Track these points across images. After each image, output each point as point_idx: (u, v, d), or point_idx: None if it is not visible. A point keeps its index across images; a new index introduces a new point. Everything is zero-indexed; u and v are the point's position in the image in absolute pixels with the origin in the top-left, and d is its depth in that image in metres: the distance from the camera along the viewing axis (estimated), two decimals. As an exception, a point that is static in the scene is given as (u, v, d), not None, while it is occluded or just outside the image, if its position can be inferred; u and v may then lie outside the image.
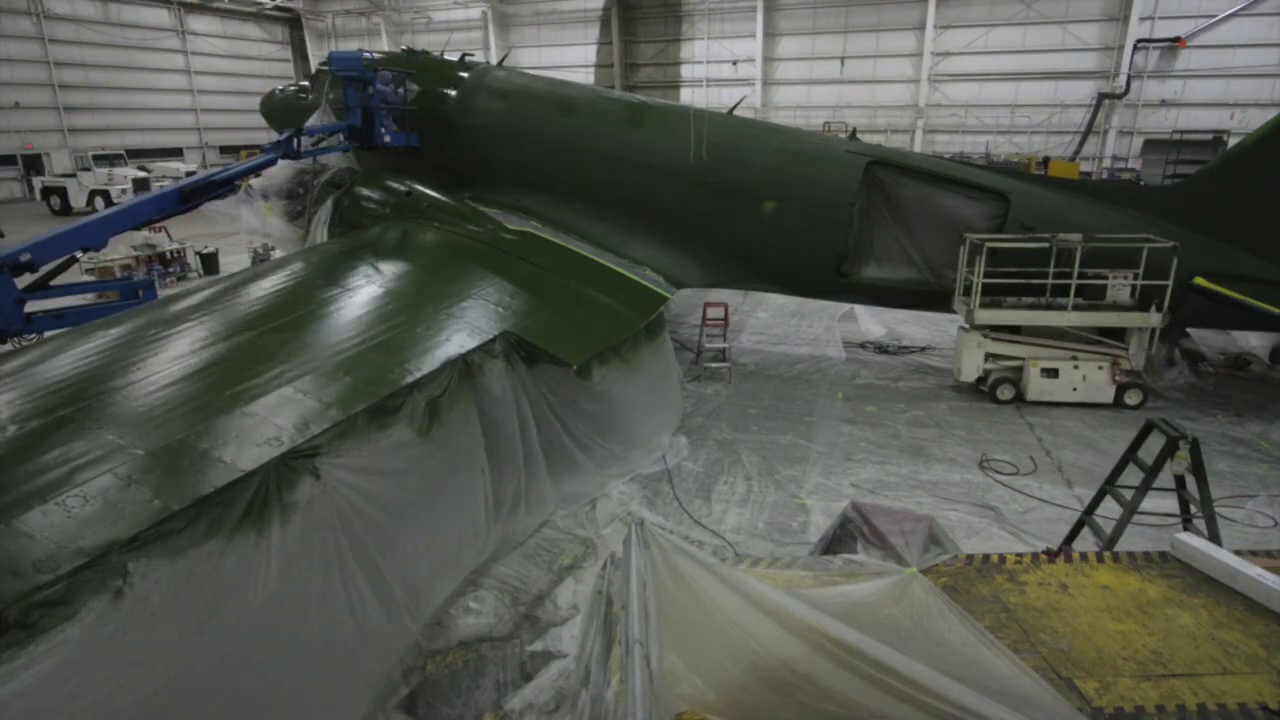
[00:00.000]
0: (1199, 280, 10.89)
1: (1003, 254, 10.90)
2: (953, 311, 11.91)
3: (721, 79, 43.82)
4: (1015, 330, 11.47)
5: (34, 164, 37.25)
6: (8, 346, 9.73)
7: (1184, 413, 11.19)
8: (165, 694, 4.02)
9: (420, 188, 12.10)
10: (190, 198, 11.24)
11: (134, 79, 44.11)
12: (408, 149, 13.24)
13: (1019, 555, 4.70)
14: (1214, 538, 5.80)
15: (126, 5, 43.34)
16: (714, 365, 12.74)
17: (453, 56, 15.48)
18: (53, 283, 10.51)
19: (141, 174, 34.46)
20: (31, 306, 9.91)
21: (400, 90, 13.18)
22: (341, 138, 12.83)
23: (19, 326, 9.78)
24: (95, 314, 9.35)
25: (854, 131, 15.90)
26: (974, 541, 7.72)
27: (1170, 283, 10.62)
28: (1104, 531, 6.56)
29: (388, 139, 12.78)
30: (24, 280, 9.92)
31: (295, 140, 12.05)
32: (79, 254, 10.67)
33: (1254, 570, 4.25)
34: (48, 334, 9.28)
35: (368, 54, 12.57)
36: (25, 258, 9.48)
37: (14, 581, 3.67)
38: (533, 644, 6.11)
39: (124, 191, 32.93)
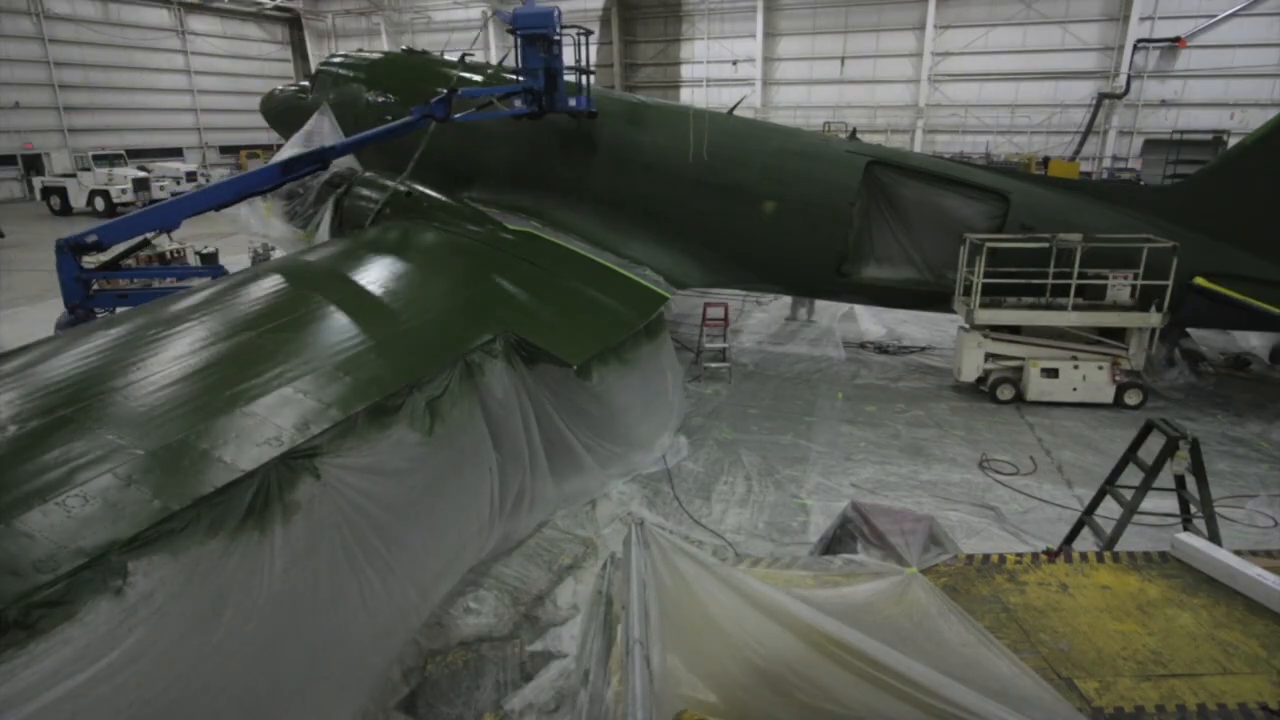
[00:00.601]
0: (1199, 280, 10.90)
1: (1003, 254, 10.91)
2: (953, 311, 11.92)
3: (721, 79, 43.81)
4: (1015, 330, 11.48)
5: (34, 164, 37.25)
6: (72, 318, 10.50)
7: (1184, 413, 11.19)
8: (171, 692, 4.03)
9: (420, 188, 12.09)
10: (291, 169, 11.29)
11: (134, 79, 44.09)
12: (587, 114, 12.48)
13: (1019, 555, 4.70)
14: (1214, 538, 5.80)
15: (126, 5, 43.32)
16: (714, 365, 12.74)
17: (453, 56, 15.48)
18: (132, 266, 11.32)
19: (142, 174, 34.44)
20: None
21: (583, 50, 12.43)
22: (517, 102, 11.93)
23: (80, 302, 10.44)
24: (155, 295, 9.99)
25: (854, 131, 15.93)
26: (974, 541, 7.72)
27: (1170, 283, 10.62)
28: (1104, 531, 6.56)
29: (573, 103, 12.02)
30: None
31: (448, 101, 11.07)
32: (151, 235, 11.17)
33: (1254, 570, 4.25)
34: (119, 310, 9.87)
35: (554, 8, 11.56)
36: (92, 239, 10.19)
37: (14, 581, 3.67)
38: (533, 644, 6.11)
39: (124, 191, 32.92)
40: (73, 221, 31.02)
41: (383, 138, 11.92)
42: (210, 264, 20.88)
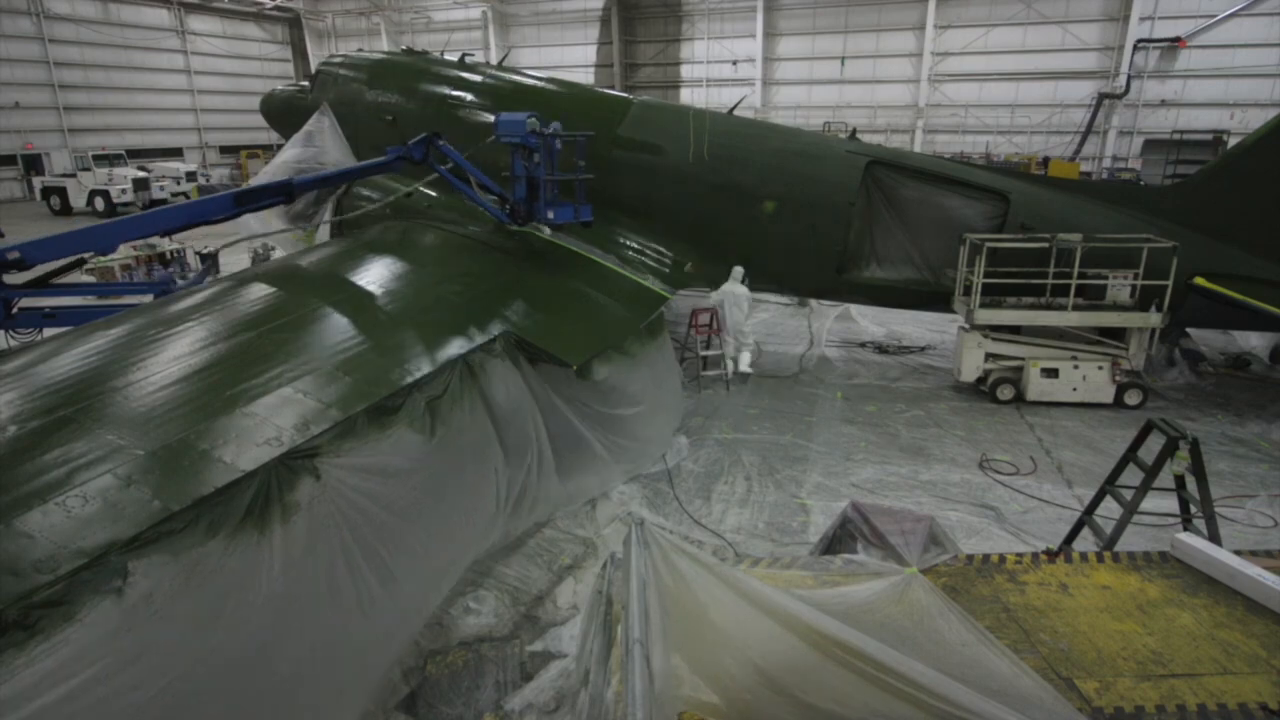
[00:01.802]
0: (1199, 280, 10.90)
1: (1003, 254, 10.91)
2: (953, 311, 11.92)
3: (721, 79, 43.83)
4: (1015, 330, 11.48)
5: (34, 164, 37.24)
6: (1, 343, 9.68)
7: (1184, 413, 11.19)
8: (168, 694, 4.02)
9: (420, 188, 12.08)
10: (246, 201, 10.01)
11: (134, 79, 44.10)
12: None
13: (1019, 555, 4.70)
14: (1214, 538, 5.80)
15: (126, 5, 43.33)
16: (709, 374, 12.57)
17: (453, 56, 15.50)
18: (68, 282, 10.28)
19: (141, 174, 34.45)
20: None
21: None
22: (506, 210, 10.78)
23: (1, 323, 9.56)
24: (92, 315, 8.85)
25: (854, 131, 15.90)
26: (974, 541, 7.73)
27: (1170, 283, 10.63)
28: (1104, 531, 6.56)
29: (551, 215, 10.54)
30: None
31: (426, 144, 10.35)
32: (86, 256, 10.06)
33: (1254, 570, 4.25)
34: (48, 332, 9.23)
35: (534, 117, 10.26)
36: (13, 255, 9.16)
37: (14, 581, 3.67)
38: (533, 644, 6.11)
39: (124, 191, 32.93)
40: (73, 221, 31.03)
41: (353, 175, 11.31)
42: (207, 263, 20.85)
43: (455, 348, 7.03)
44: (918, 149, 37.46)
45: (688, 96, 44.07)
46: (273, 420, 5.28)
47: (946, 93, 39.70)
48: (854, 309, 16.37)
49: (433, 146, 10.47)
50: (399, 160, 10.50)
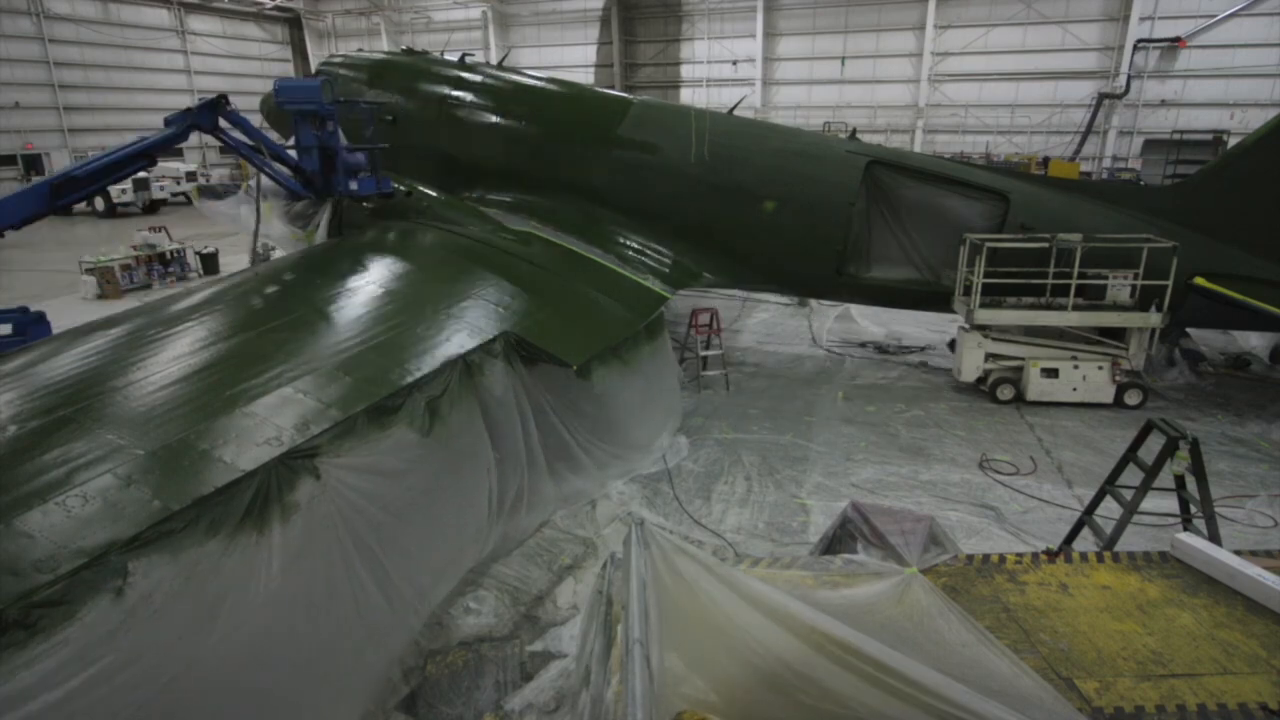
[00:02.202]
0: (1199, 280, 10.90)
1: (1003, 254, 10.90)
2: (953, 311, 11.92)
3: (721, 79, 43.83)
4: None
5: (34, 164, 37.25)
6: None
7: (1184, 413, 11.19)
8: (168, 693, 4.02)
9: (420, 188, 12.08)
10: (62, 192, 9.40)
11: (134, 79, 44.09)
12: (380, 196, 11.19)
13: (1019, 555, 4.70)
14: (1214, 538, 5.81)
15: (126, 5, 43.32)
16: (709, 374, 12.58)
17: (453, 56, 15.50)
18: None
19: (141, 174, 34.40)
20: None
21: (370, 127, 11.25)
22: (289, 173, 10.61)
23: None
24: None
25: (854, 131, 15.90)
26: (974, 541, 7.73)
27: (1170, 283, 10.63)
28: (1104, 531, 6.56)
29: (354, 186, 10.49)
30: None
31: (214, 107, 9.72)
32: None
33: (1254, 570, 4.25)
34: None
35: (323, 77, 9.76)
36: None
37: (14, 581, 3.67)
38: (533, 644, 6.11)
39: (124, 191, 32.91)
40: (72, 221, 31.03)
41: (146, 150, 10.17)
42: (209, 265, 20.72)
43: (455, 347, 7.03)
44: (918, 149, 37.45)
45: (688, 96, 44.06)
46: (272, 420, 5.29)
47: (946, 93, 39.69)
48: (854, 309, 16.37)
49: (222, 113, 9.81)
50: (189, 130, 9.84)
